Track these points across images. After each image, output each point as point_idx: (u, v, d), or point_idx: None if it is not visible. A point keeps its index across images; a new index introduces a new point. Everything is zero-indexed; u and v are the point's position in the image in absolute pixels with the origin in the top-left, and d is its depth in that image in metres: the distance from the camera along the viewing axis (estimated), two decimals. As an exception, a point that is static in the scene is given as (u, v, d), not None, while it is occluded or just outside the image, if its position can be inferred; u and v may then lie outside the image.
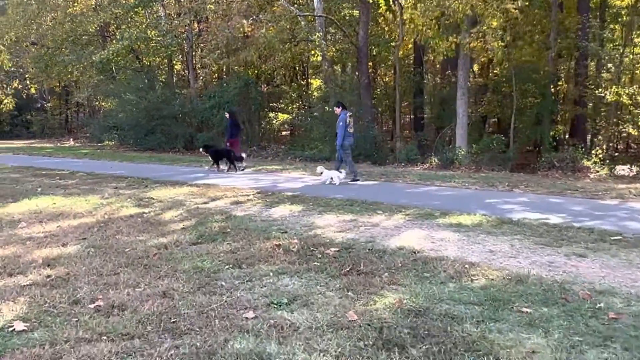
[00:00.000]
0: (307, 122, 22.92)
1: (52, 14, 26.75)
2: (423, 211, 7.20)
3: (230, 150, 13.42)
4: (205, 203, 8.06)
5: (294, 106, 27.52)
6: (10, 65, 31.29)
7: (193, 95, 24.60)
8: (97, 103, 33.38)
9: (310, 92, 27.81)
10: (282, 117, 27.05)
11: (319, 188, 9.84)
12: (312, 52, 20.71)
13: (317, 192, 9.09)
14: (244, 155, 13.74)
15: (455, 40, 14.26)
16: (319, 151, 18.40)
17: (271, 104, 26.47)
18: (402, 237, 5.69)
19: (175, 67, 29.43)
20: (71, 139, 32.46)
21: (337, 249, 5.07)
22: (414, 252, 4.95)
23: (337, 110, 11.14)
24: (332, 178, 10.45)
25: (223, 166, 13.43)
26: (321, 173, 10.74)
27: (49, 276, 4.37)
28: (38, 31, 27.59)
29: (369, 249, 5.07)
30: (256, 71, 24.42)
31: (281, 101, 27.67)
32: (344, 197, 8.45)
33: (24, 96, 33.81)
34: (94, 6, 26.12)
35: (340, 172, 10.66)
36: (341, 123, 10.73)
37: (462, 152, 15.81)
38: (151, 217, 6.95)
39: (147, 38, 23.68)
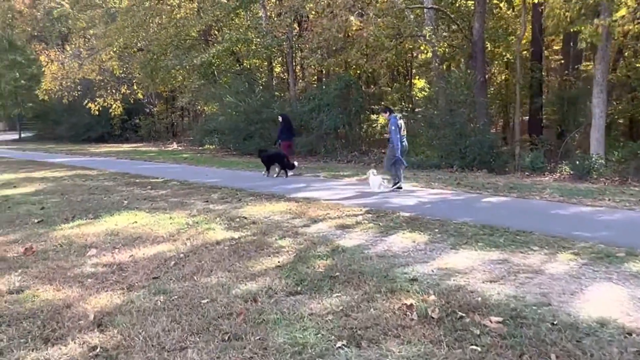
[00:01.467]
0: (411, 125, 21.14)
1: (158, 20, 27.08)
2: (596, 248, 5.29)
3: (284, 154, 13.22)
4: (305, 226, 6.65)
5: (396, 108, 25.77)
6: (120, 71, 32.35)
7: (292, 98, 23.69)
8: (199, 107, 33.63)
9: (414, 92, 25.97)
10: (383, 120, 25.38)
11: (439, 207, 8.13)
12: (422, 47, 18.88)
13: (439, 213, 7.39)
14: (295, 163, 13.33)
15: (602, 23, 11.81)
16: (426, 157, 16.61)
17: (371, 106, 24.94)
18: (589, 297, 3.89)
19: (275, 69, 28.76)
20: (174, 143, 32.91)
21: (500, 319, 3.40)
22: (628, 334, 3.17)
23: (385, 115, 10.50)
24: (377, 184, 9.80)
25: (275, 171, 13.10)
26: (370, 178, 10.02)
27: (93, 348, 3.11)
28: (145, 37, 28.05)
29: (551, 323, 3.35)
30: (358, 72, 23.02)
31: (382, 103, 26.01)
32: (476, 221, 6.70)
33: (132, 101, 34.80)
34: (196, 9, 26.05)
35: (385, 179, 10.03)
36: (393, 127, 9.98)
37: (601, 161, 13.32)
38: (241, 245, 5.65)
39: (247, 40, 23.05)
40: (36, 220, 7.17)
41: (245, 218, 7.19)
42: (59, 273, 4.77)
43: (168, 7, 26.76)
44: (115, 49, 28.32)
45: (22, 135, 42.28)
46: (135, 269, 4.88)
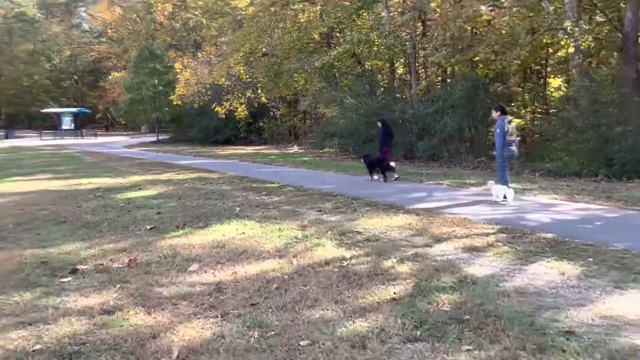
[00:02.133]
0: (546, 127, 19.17)
1: (282, 25, 27.47)
2: None
3: (383, 158, 13.22)
4: (427, 246, 5.81)
5: (527, 110, 23.66)
6: (246, 76, 33.42)
7: (414, 100, 22.68)
8: (320, 110, 33.71)
9: (548, 92, 23.67)
10: (515, 122, 23.40)
11: (588, 227, 6.84)
12: (562, 42, 16.96)
13: (590, 235, 6.15)
14: (393, 164, 13.21)
15: None
16: (564, 164, 14.81)
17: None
18: None
19: (397, 70, 27.85)
20: (295, 146, 33.28)
21: None
22: None
23: (495, 114, 9.67)
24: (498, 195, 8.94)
25: (376, 176, 13.10)
26: (491, 188, 9.26)
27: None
28: (269, 42, 28.62)
29: None
30: (486, 71, 21.42)
31: (512, 104, 24.02)
32: (635, 247, 5.42)
33: (257, 105, 35.80)
34: (319, 12, 25.98)
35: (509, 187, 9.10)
36: (498, 130, 9.32)
37: None
38: (352, 268, 4.97)
39: (368, 41, 22.48)
40: (148, 227, 7.07)
41: (359, 233, 6.50)
42: (155, 292, 4.42)
43: (292, 11, 27.00)
44: (241, 55, 29.22)
45: (160, 137, 45.37)
46: (234, 291, 4.39)
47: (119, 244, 6.18)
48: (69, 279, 4.87)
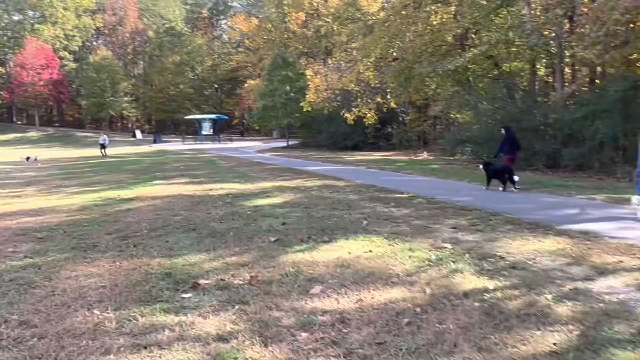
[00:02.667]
0: None
1: (414, 28, 26.73)
2: None
3: (508, 167, 12.56)
4: (588, 279, 4.85)
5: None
6: (375, 81, 33.07)
7: (559, 104, 20.71)
8: (451, 115, 32.31)
9: None
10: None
11: None
12: None
13: None
14: (516, 178, 12.17)
15: None
16: None
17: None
18: None
19: (539, 72, 25.73)
20: (425, 152, 32.21)
21: None
22: None
23: None
24: None
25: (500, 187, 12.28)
26: (638, 205, 8.28)
27: None
28: (400, 46, 27.99)
29: None
30: (647, 70, 18.95)
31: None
32: None
33: (385, 110, 35.28)
34: (453, 13, 24.82)
35: None
36: None
37: None
38: (497, 304, 4.22)
39: (507, 41, 20.95)
40: (272, 239, 6.82)
41: (502, 258, 5.67)
42: (273, 318, 4.04)
43: (424, 14, 26.13)
44: (372, 60, 28.92)
45: (290, 142, 46.65)
46: (359, 324, 3.88)
47: (242, 257, 5.97)
48: (190, 295, 4.69)
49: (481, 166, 13.12)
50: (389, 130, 37.04)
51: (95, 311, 4.30)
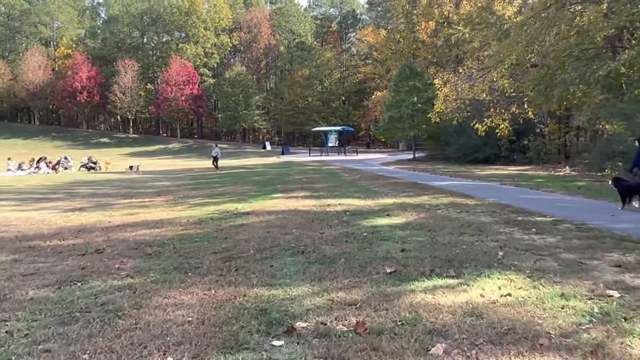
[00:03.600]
0: None
1: (555, 30, 24.25)
2: None
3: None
4: None
5: None
6: (510, 90, 30.65)
7: None
8: (600, 126, 28.87)
9: None
10: None
11: None
12: None
13: None
14: None
15: None
16: None
17: None
18: None
19: None
20: (567, 167, 29.13)
21: None
22: None
23: None
24: None
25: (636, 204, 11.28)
26: None
27: None
28: (539, 51, 25.55)
29: None
30: None
31: None
32: None
33: (521, 121, 32.61)
34: (604, 11, 22.02)
35: None
36: None
37: None
38: None
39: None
40: (388, 270, 5.84)
41: (698, 317, 4.18)
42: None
43: (569, 14, 23.57)
44: (507, 67, 26.77)
45: (416, 155, 45.19)
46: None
47: (350, 293, 5.07)
48: (282, 342, 3.89)
49: (610, 182, 11.97)
50: (525, 143, 34.18)
51: (169, 358, 3.64)
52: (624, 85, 23.62)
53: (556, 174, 25.50)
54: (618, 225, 9.06)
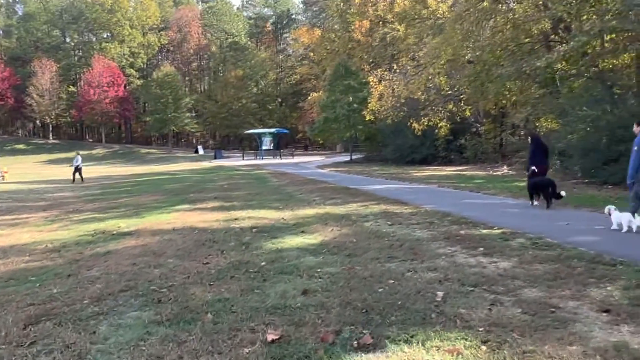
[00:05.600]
0: None
1: (492, 22, 23.14)
2: None
3: (550, 182, 11.05)
4: None
5: None
6: (447, 87, 29.51)
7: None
8: (535, 124, 28.09)
9: None
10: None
11: None
12: None
13: None
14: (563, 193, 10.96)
15: None
16: None
17: None
18: None
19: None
20: (504, 166, 28.20)
21: None
22: None
23: (636, 129, 8.31)
24: (622, 223, 7.68)
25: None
26: (609, 214, 7.99)
27: None
28: (475, 46, 24.40)
29: None
30: None
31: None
32: None
33: (459, 119, 31.58)
34: (540, 2, 20.96)
35: (636, 217, 7.58)
36: (635, 147, 7.98)
37: None
38: None
39: (614, 29, 16.92)
40: (271, 337, 3.74)
41: None
42: None
43: (504, 6, 22.49)
44: (442, 62, 25.50)
45: (353, 157, 43.64)
46: None
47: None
48: None
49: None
50: (462, 142, 33.14)
51: None
52: (558, 81, 22.74)
53: (494, 174, 24.35)
54: (579, 237, 7.39)
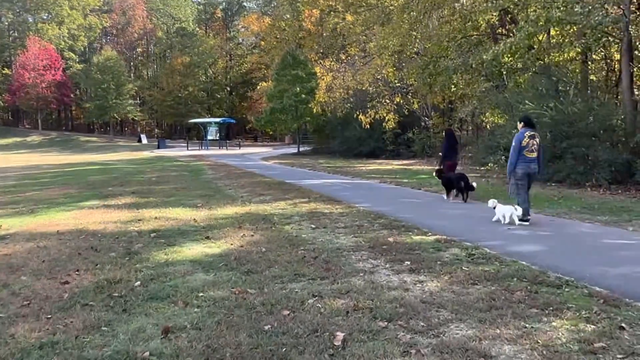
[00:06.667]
0: None
1: (439, 12, 22.38)
2: None
3: (462, 176, 11.64)
4: None
5: None
6: (394, 79, 28.75)
7: (627, 103, 16.16)
8: (482, 118, 27.68)
9: None
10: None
11: None
12: None
13: None
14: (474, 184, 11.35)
15: None
16: None
17: None
18: None
19: (594, 64, 21.12)
20: (451, 161, 27.68)
21: None
22: None
23: (519, 125, 8.78)
24: (504, 216, 8.13)
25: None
26: (494, 208, 8.40)
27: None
28: (422, 36, 23.65)
29: None
30: None
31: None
32: None
33: (407, 112, 30.87)
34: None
35: (516, 209, 8.03)
36: (514, 143, 8.36)
37: None
38: None
39: (560, 21, 16.36)
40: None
41: None
42: None
43: (452, -4, 21.76)
44: (390, 53, 24.66)
45: (301, 149, 42.47)
46: None
47: None
48: None
49: (434, 174, 12.40)
50: (410, 136, 32.49)
51: None
52: (504, 75, 22.27)
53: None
54: (521, 247, 6.51)
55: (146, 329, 3.70)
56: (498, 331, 3.61)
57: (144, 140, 59.98)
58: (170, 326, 3.72)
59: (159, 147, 51.27)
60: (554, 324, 3.73)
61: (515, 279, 4.88)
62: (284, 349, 3.29)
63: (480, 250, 6.13)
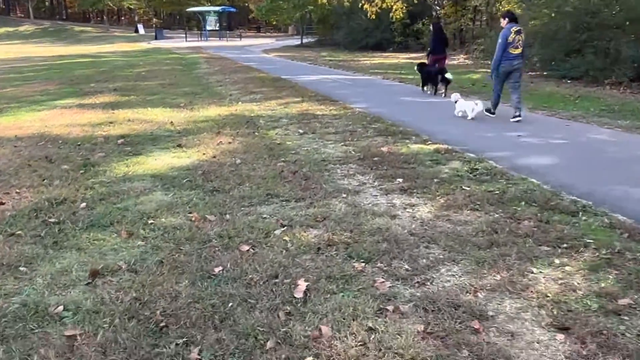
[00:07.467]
0: None
1: None
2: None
3: (440, 70, 11.17)
4: None
5: None
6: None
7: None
8: (498, 7, 25.65)
9: None
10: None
11: None
12: None
13: None
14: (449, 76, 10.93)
15: None
16: None
17: None
18: None
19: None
20: (462, 55, 26.17)
21: None
22: None
23: (503, 22, 8.30)
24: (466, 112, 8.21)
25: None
26: (455, 102, 8.52)
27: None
28: None
29: None
30: None
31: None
32: None
33: (416, 1, 28.69)
34: None
35: (477, 104, 8.13)
36: (500, 40, 7.98)
37: None
38: None
39: None
40: None
41: None
42: None
43: None
44: None
45: (305, 40, 40.41)
46: None
47: None
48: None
49: (416, 67, 12.00)
50: (420, 27, 30.49)
51: None
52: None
53: (450, 62, 22.31)
54: (532, 159, 5.74)
55: (72, 271, 3.05)
56: (498, 277, 2.93)
57: (141, 31, 57.34)
58: (99, 268, 3.06)
59: (156, 38, 49.04)
60: (567, 268, 3.04)
61: (523, 202, 4.16)
62: (229, 304, 2.64)
63: (485, 164, 5.36)
